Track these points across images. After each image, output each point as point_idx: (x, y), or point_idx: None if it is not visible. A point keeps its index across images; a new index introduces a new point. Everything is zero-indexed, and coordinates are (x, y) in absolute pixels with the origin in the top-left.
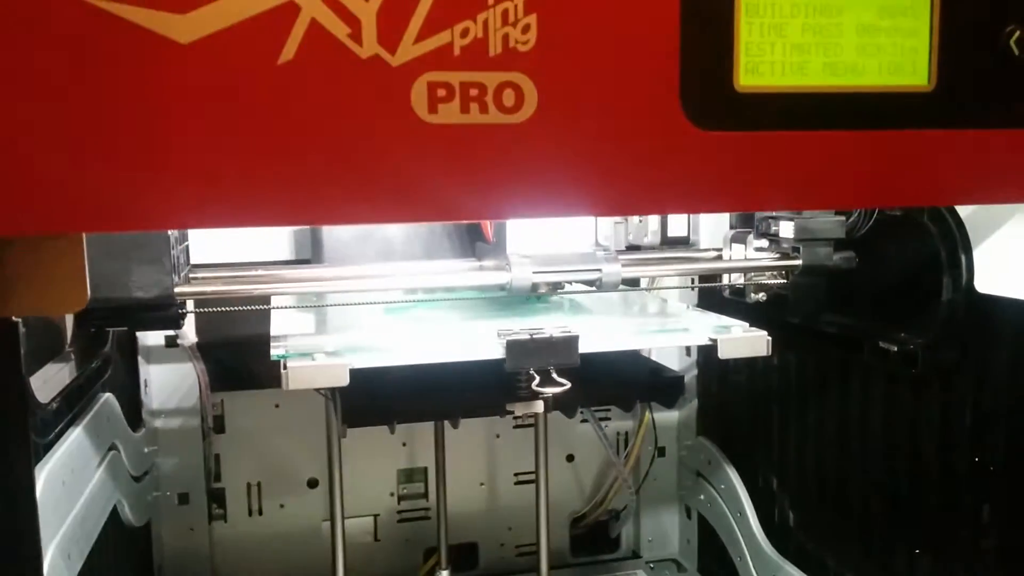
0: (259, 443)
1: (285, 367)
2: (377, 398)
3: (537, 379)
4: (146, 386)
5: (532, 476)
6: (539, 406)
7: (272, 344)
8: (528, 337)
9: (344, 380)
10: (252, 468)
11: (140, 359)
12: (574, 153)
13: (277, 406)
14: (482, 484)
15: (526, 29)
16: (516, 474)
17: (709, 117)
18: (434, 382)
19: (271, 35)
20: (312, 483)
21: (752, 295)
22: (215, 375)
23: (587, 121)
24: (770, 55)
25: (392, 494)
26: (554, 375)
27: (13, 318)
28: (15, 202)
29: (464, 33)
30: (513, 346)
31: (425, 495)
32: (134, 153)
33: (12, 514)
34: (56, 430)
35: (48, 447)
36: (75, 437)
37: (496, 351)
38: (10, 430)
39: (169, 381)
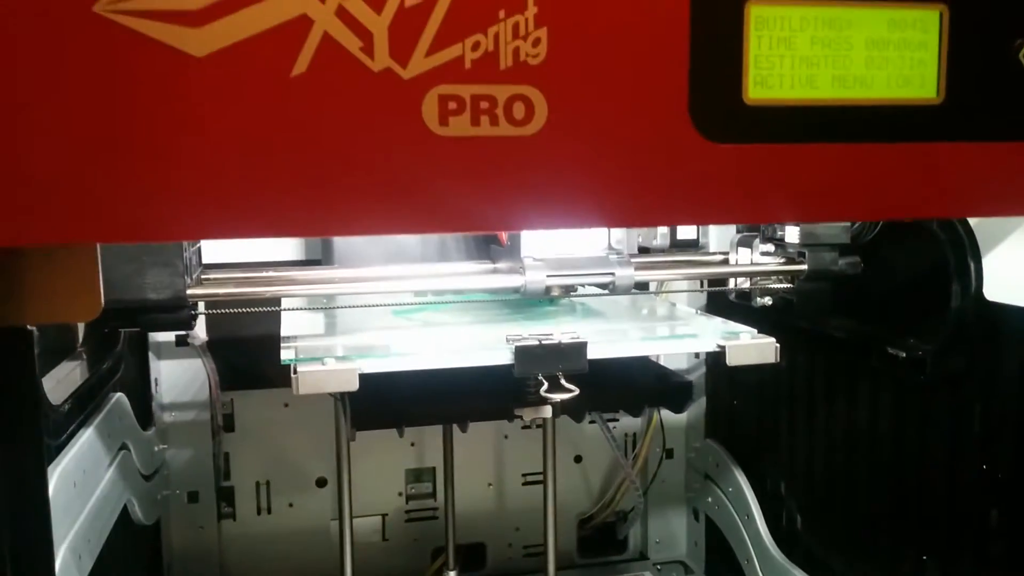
0: (268, 442)
1: (295, 372)
2: (386, 402)
3: (545, 385)
4: (156, 384)
5: (540, 477)
6: (547, 411)
7: (282, 345)
8: (537, 343)
9: (354, 385)
10: (261, 467)
11: (151, 356)
12: (584, 165)
13: (286, 405)
14: (490, 484)
15: (536, 42)
16: (524, 475)
17: (718, 129)
18: (443, 386)
19: (284, 48)
20: (321, 482)
21: (758, 299)
22: (225, 373)
23: (597, 133)
24: (779, 68)
25: (400, 494)
26: (562, 381)
27: (28, 326)
28: (30, 212)
29: (475, 46)
30: (522, 352)
31: (433, 495)
32: (149, 164)
33: (25, 515)
34: (68, 431)
35: (60, 448)
36: (87, 438)
37: (505, 357)
38: (23, 432)
39: (180, 379)
